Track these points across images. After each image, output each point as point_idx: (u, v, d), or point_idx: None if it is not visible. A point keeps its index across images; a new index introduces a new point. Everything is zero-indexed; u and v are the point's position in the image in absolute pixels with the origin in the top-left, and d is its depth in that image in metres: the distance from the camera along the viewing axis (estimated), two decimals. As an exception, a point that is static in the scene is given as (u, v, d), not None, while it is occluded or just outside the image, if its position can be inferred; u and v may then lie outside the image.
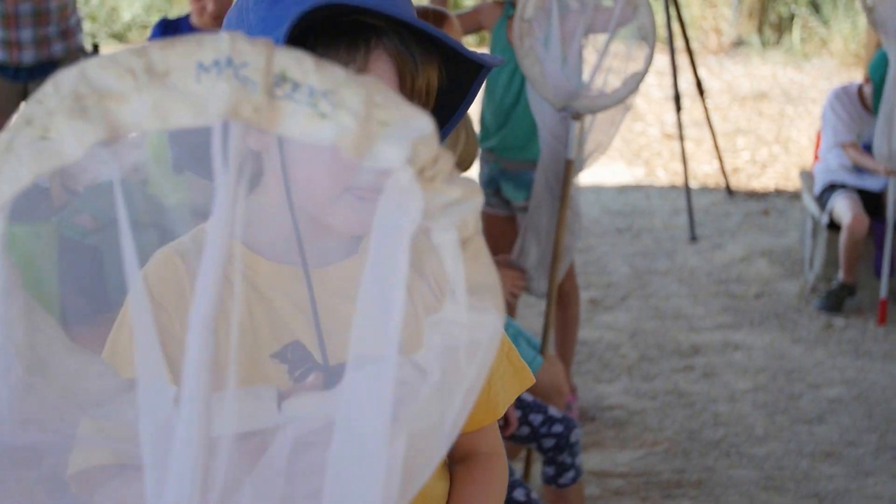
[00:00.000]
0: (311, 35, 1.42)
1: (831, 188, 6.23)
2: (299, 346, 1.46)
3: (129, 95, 0.83)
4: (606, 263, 6.73)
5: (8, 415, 0.97)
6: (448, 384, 0.94)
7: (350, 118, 0.83)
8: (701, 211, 7.57)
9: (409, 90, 1.44)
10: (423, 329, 0.97)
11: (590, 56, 3.95)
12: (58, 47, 5.00)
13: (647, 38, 3.84)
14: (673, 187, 8.21)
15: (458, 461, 1.66)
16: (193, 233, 1.49)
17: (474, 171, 4.50)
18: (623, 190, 8.25)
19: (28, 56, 4.95)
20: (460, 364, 0.93)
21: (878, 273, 6.00)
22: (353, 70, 1.31)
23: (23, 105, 0.84)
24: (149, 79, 0.83)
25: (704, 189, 8.21)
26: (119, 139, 0.84)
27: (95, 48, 3.79)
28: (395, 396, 0.91)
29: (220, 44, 0.83)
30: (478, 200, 0.89)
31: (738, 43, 12.73)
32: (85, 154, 0.83)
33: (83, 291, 2.60)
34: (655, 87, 10.47)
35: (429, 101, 1.49)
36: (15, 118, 0.84)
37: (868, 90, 6.19)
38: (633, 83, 3.83)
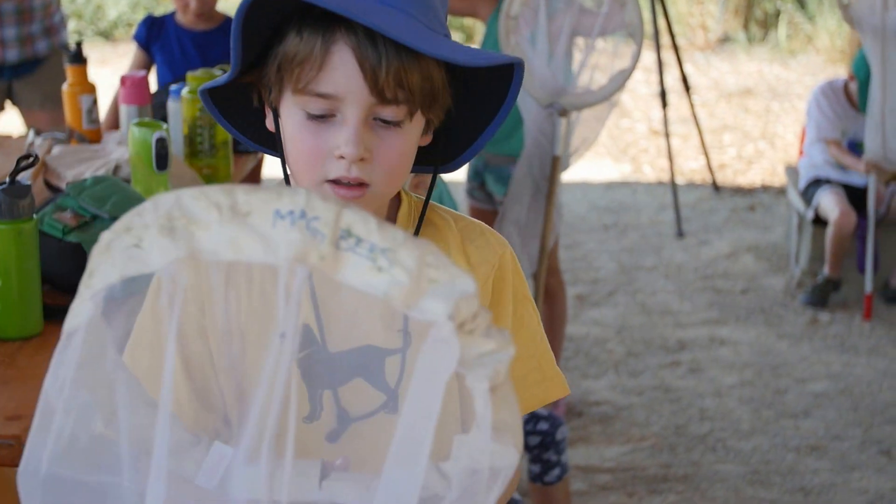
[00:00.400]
0: (293, 18, 1.46)
1: (816, 183, 6.25)
2: (307, 329, 1.50)
3: (212, 226, 0.97)
4: (593, 259, 6.73)
5: (84, 459, 1.10)
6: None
7: (403, 274, 0.96)
8: (687, 207, 7.58)
9: (374, 82, 1.44)
10: (452, 443, 1.10)
11: (576, 53, 3.96)
12: (42, 45, 4.99)
13: (635, 35, 3.85)
14: (660, 183, 8.23)
15: None
16: None
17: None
18: (610, 186, 8.25)
19: (12, 54, 4.93)
20: (481, 487, 1.05)
21: (861, 269, 6.03)
22: (314, 58, 1.43)
23: (127, 215, 0.99)
24: (232, 216, 0.97)
25: (691, 185, 8.22)
26: (196, 259, 0.98)
27: (79, 46, 3.78)
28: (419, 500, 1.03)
29: (297, 197, 0.96)
30: (509, 352, 0.99)
31: (725, 39, 12.75)
32: (164, 266, 0.99)
33: (64, 289, 2.60)
34: (642, 83, 10.48)
35: (427, 98, 1.49)
36: (117, 224, 0.99)
37: (853, 87, 6.21)
38: (620, 80, 3.84)
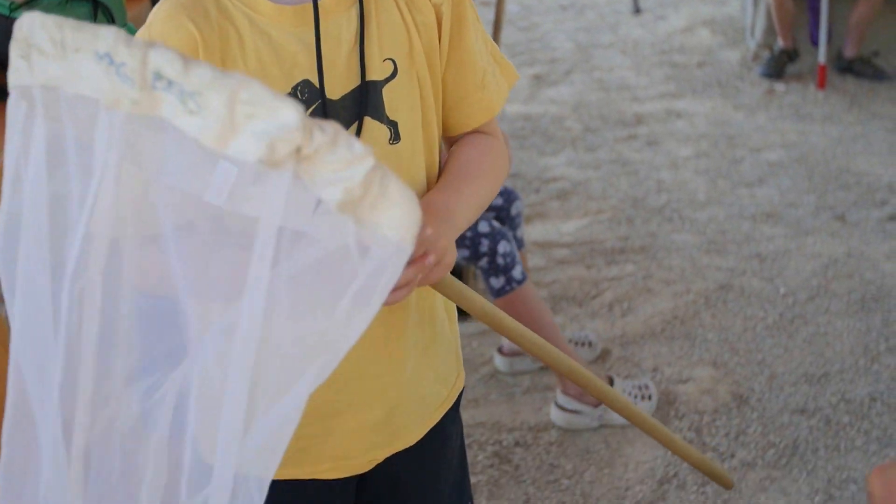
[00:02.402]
0: None
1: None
2: (309, 83, 1.50)
3: (51, 59, 1.02)
4: (550, 40, 6.68)
5: None
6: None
7: (213, 118, 0.95)
8: (644, -17, 7.51)
9: None
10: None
11: None
12: None
13: None
14: (616, -40, 8.13)
15: None
16: None
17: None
18: (565, -35, 8.14)
19: None
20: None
21: (813, 42, 6.01)
22: None
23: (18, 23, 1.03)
24: (63, 51, 1.01)
25: (648, -39, 8.12)
26: (42, 86, 1.03)
27: None
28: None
29: (107, 41, 0.97)
30: (367, 163, 0.98)
31: None
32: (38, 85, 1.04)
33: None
34: None
35: None
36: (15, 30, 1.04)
37: None
38: None
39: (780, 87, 5.93)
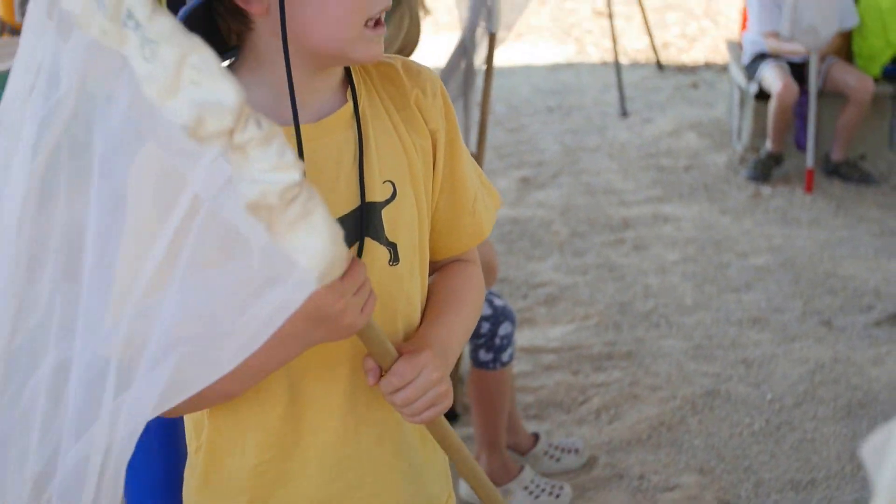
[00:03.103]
0: None
1: (760, 57, 6.25)
2: None
3: None
4: (538, 142, 6.74)
5: None
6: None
7: (160, 70, 0.96)
8: (631, 86, 7.58)
9: None
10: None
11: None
12: None
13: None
14: (604, 64, 8.22)
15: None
16: None
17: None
18: (554, 68, 8.23)
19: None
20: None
21: (800, 146, 6.08)
22: None
23: None
24: None
25: (635, 65, 8.21)
26: None
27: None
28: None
29: None
30: (292, 175, 0.99)
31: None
32: None
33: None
34: (585, -37, 10.40)
35: None
36: None
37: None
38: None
39: (766, 190, 5.98)
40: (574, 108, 7.34)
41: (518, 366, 4.21)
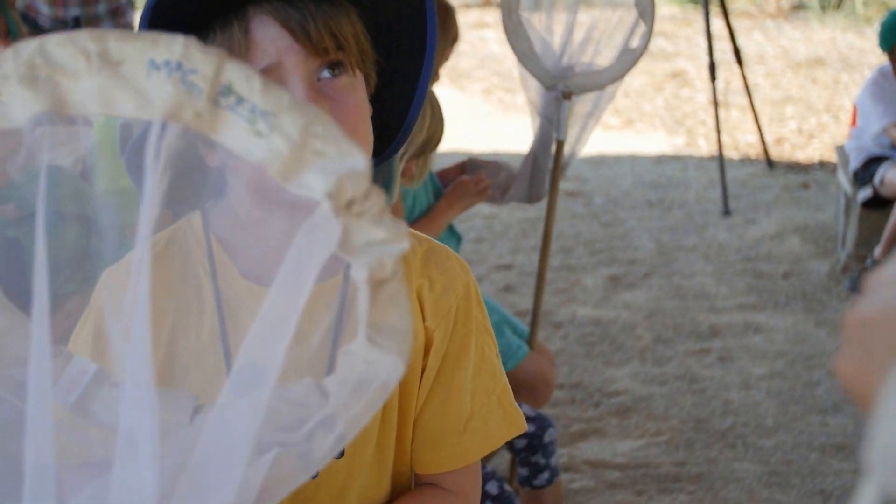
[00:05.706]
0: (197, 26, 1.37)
1: (877, 160, 5.96)
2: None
3: (80, 75, 0.87)
4: (633, 238, 6.52)
5: None
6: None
7: (283, 142, 0.87)
8: (738, 183, 7.33)
9: (307, 37, 1.35)
10: (339, 358, 0.99)
11: (580, 30, 3.75)
12: (107, 26, 4.87)
13: (645, 15, 3.64)
14: (712, 158, 7.97)
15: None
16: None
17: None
18: (660, 160, 8.01)
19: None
20: (349, 398, 0.96)
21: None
22: (238, 44, 1.35)
23: None
24: (101, 64, 0.87)
25: (745, 160, 7.96)
26: (62, 114, 0.89)
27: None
28: (286, 415, 0.98)
29: (174, 46, 0.86)
30: (401, 245, 0.90)
31: (798, 6, 12.39)
32: (28, 121, 0.88)
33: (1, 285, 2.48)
34: (706, 51, 10.18)
35: (359, 46, 1.41)
36: None
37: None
38: (629, 61, 3.63)
39: (868, 303, 5.67)
40: (676, 203, 7.10)
41: (581, 481, 3.99)
